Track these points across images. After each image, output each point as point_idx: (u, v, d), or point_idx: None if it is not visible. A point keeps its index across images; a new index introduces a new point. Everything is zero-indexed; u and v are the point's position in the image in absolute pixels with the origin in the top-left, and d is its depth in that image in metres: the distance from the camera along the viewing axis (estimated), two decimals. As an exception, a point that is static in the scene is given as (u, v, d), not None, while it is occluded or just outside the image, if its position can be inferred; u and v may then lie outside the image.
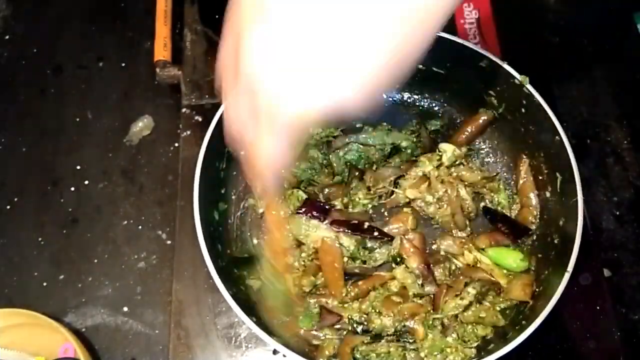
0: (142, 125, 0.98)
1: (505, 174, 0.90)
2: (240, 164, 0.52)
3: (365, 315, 0.78)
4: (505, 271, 0.80)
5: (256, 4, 0.41)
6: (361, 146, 0.88)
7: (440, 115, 0.93)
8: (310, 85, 0.41)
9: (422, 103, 0.94)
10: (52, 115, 1.00)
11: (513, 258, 0.80)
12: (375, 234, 0.81)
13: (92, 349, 0.83)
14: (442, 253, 0.83)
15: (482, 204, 0.86)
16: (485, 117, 0.88)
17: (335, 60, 0.40)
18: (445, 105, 0.93)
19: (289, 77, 0.41)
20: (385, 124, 0.90)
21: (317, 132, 0.87)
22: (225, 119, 0.49)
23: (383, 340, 0.76)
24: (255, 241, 0.86)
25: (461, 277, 0.79)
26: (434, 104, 0.93)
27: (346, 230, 0.79)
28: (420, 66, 0.88)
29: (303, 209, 0.79)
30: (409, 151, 0.88)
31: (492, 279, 0.78)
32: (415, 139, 0.89)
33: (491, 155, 0.91)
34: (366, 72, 0.41)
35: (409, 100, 0.94)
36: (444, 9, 0.41)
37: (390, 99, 0.94)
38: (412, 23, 0.40)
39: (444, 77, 0.88)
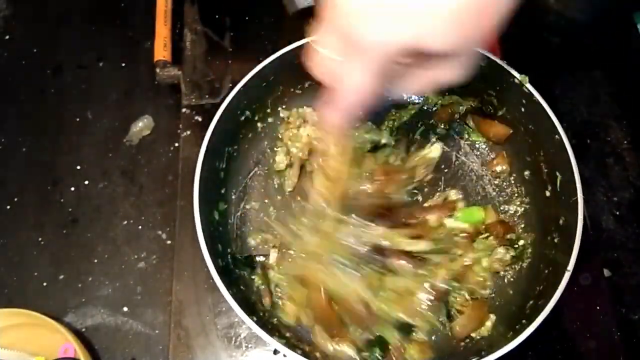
0: (142, 125, 0.98)
1: (502, 174, 0.90)
2: (322, 99, 0.55)
3: None
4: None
5: None
6: None
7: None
8: (395, 17, 0.45)
9: (422, 103, 0.94)
10: (52, 115, 1.00)
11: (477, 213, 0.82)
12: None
13: (92, 349, 0.83)
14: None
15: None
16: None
17: None
18: (445, 105, 0.93)
19: (375, 10, 0.45)
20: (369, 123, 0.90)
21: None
22: (314, 54, 0.53)
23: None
24: (253, 242, 0.86)
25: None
26: (433, 104, 0.93)
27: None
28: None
29: None
30: (388, 149, 0.87)
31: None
32: (394, 138, 0.88)
33: (490, 154, 0.91)
34: (447, 10, 0.44)
35: (408, 100, 0.94)
36: None
37: (388, 99, 0.94)
38: None
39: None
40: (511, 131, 0.87)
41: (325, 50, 0.52)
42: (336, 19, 0.48)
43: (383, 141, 0.88)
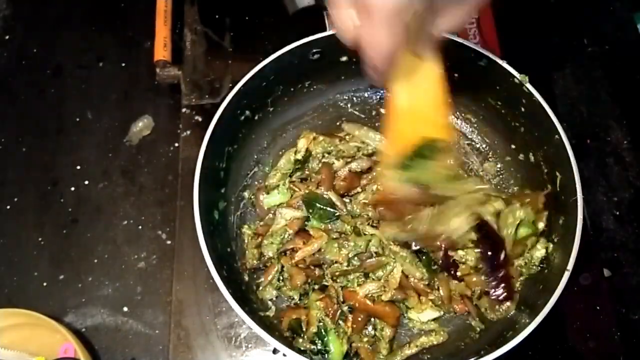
0: (142, 125, 0.98)
1: (503, 174, 0.90)
2: (360, 62, 0.58)
3: None
4: None
5: None
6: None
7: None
8: None
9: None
10: (52, 115, 1.00)
11: None
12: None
13: (92, 349, 0.83)
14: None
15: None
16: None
17: None
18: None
19: None
20: (377, 124, 0.92)
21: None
22: (339, 24, 0.57)
23: None
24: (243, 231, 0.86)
25: None
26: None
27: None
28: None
29: None
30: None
31: None
32: None
33: (490, 154, 0.91)
34: None
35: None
36: None
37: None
38: None
39: (444, 76, 0.88)
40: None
41: (345, 18, 0.55)
42: None
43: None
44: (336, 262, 0.80)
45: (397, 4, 0.51)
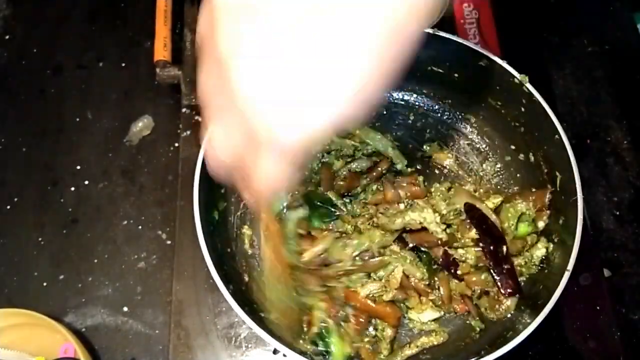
0: (142, 125, 0.98)
1: (503, 174, 0.90)
2: (234, 187, 0.51)
3: None
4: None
5: (234, 28, 0.40)
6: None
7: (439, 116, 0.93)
8: (310, 108, 0.40)
9: (422, 103, 0.94)
10: (52, 115, 1.00)
11: None
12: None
13: (92, 349, 0.83)
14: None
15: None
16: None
17: (329, 69, 0.39)
18: (445, 104, 0.93)
19: (286, 106, 0.40)
20: (378, 124, 0.92)
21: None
22: (212, 145, 0.48)
23: None
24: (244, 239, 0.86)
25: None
26: (434, 104, 0.93)
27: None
28: (421, 66, 0.88)
29: None
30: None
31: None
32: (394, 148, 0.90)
33: (490, 154, 0.91)
34: (360, 76, 0.40)
35: (409, 100, 0.94)
36: (427, 7, 0.40)
37: (390, 100, 0.94)
38: (396, 22, 0.39)
39: (444, 76, 0.88)
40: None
41: (225, 143, 0.47)
42: (244, 114, 0.42)
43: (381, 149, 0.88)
44: (340, 262, 0.80)
45: (310, 137, 0.41)
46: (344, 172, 0.87)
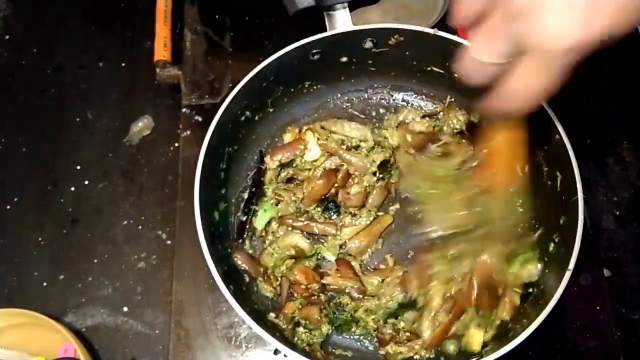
0: (142, 125, 0.98)
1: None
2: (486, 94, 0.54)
3: None
4: None
5: None
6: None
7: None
8: (585, 17, 0.44)
9: (422, 103, 0.94)
10: (52, 115, 1.00)
11: None
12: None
13: (92, 349, 0.83)
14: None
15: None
16: None
17: None
18: (446, 104, 0.93)
19: (566, 12, 0.44)
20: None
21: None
22: (470, 61, 0.52)
23: None
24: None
25: None
26: (434, 104, 0.93)
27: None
28: (421, 66, 0.88)
29: None
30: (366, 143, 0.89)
31: None
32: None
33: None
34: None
35: (409, 100, 0.94)
36: None
37: (390, 99, 0.94)
38: None
39: (444, 76, 0.88)
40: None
41: (486, 56, 0.51)
42: (506, 20, 0.47)
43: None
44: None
45: (580, 46, 0.46)
46: (319, 172, 0.86)
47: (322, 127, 0.89)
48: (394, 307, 0.78)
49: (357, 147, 0.89)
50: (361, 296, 0.79)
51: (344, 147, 0.88)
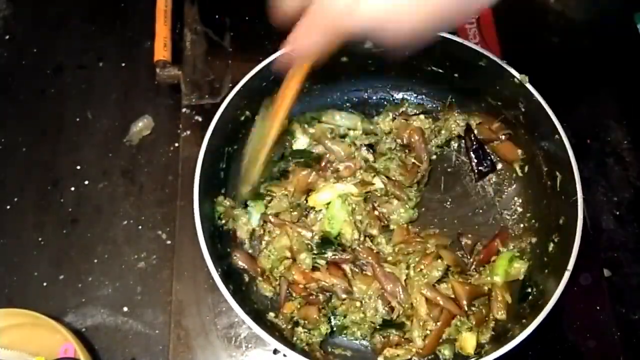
0: (142, 125, 0.98)
1: (502, 173, 0.90)
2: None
3: None
4: None
5: None
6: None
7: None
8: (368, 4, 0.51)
9: (422, 103, 0.94)
10: (52, 115, 1.00)
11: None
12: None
13: (92, 349, 0.83)
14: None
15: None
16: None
17: None
18: (445, 104, 0.93)
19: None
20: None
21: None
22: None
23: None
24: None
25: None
26: (434, 104, 0.93)
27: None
28: (421, 66, 0.88)
29: None
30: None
31: None
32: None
33: (490, 153, 0.91)
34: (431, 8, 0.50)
35: (409, 100, 0.94)
36: None
37: (391, 99, 0.94)
38: None
39: (444, 76, 0.88)
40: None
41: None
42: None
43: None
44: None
45: (354, 22, 0.52)
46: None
47: (311, 117, 0.90)
48: (379, 322, 0.78)
49: (343, 136, 0.89)
50: (346, 296, 0.79)
51: (329, 135, 0.88)
